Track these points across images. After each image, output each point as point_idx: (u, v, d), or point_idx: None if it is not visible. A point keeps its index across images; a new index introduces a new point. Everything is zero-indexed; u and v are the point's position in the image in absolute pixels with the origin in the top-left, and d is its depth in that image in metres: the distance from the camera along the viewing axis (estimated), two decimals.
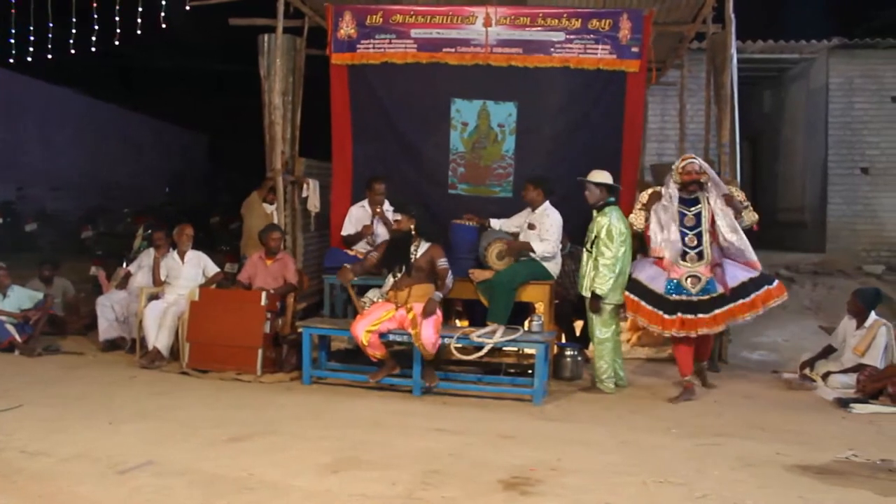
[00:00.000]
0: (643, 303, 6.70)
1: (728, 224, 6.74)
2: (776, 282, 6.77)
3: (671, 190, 6.90)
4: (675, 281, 6.68)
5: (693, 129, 12.20)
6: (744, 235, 6.79)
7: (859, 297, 7.40)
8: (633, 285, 6.80)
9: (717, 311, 6.56)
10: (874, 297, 7.48)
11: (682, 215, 6.81)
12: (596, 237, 6.83)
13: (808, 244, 12.90)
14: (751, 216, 7.01)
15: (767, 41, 12.45)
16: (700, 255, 6.70)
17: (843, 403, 6.50)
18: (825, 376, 7.19)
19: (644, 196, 7.12)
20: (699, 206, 6.81)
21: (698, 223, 6.77)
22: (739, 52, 9.05)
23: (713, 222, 6.75)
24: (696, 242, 6.73)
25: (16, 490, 4.11)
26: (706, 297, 6.58)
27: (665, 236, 6.81)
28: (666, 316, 6.60)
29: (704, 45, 9.91)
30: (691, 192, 6.81)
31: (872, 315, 7.28)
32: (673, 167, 7.02)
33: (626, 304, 6.84)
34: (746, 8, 8.77)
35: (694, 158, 6.92)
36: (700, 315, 6.56)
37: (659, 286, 6.69)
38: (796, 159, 13.84)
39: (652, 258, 6.89)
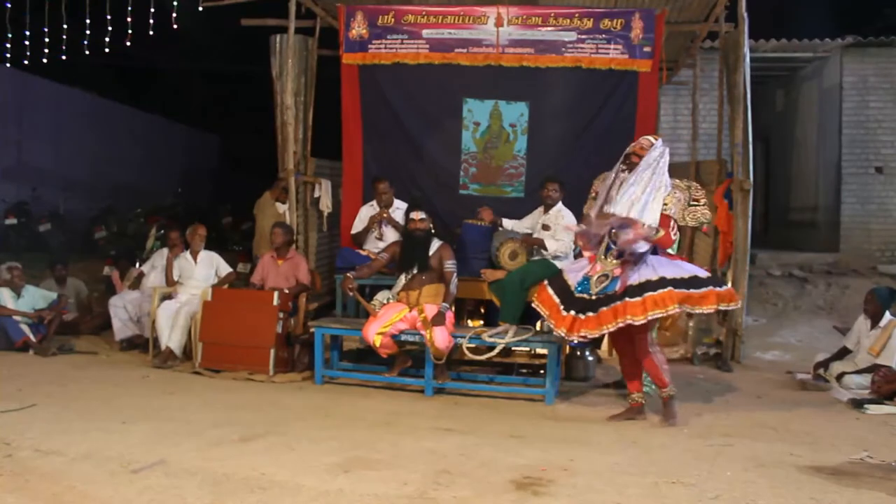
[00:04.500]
0: (552, 293, 6.05)
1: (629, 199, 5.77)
2: (707, 289, 5.73)
3: (616, 166, 6.05)
4: (588, 278, 5.91)
5: (706, 128, 12.16)
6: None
7: (877, 296, 7.35)
8: (554, 275, 6.28)
9: (602, 310, 5.72)
10: (890, 296, 7.43)
11: None
12: None
13: (821, 244, 12.83)
14: (697, 216, 6.06)
15: (780, 40, 12.37)
16: (622, 253, 5.82)
17: (857, 404, 6.46)
18: (839, 377, 7.15)
19: (598, 183, 6.28)
20: None
21: None
22: (752, 52, 9.00)
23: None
24: None
25: (28, 488, 4.13)
26: (602, 295, 5.78)
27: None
28: (563, 312, 5.89)
29: (717, 45, 9.89)
30: (632, 163, 5.90)
31: (887, 315, 7.24)
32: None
33: (536, 292, 6.30)
34: (759, 7, 8.72)
35: (653, 137, 6.07)
36: (588, 314, 5.77)
37: (573, 279, 6.01)
38: (809, 159, 13.77)
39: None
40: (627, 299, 5.66)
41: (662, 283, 5.68)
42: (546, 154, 8.59)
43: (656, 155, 5.92)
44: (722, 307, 5.84)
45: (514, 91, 8.67)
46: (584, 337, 5.83)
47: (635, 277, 5.73)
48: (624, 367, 6.32)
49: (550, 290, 6.11)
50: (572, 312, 5.84)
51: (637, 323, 5.64)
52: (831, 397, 6.86)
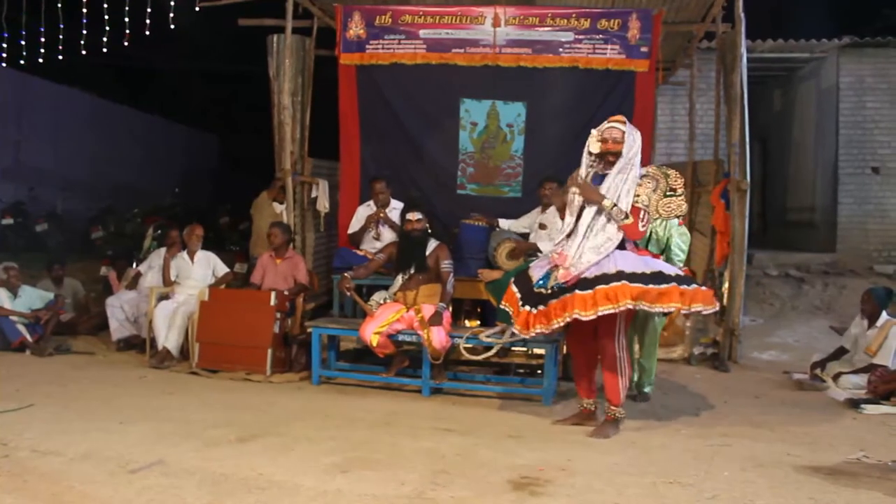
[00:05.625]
0: (516, 290, 5.67)
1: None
2: (669, 285, 5.26)
3: (585, 159, 5.66)
4: (550, 273, 5.51)
5: (703, 128, 12.17)
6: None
7: (874, 296, 7.36)
8: (521, 272, 5.89)
9: (551, 303, 5.35)
10: (886, 296, 7.44)
11: None
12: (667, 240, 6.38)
13: (818, 244, 12.86)
14: (671, 208, 5.57)
15: (777, 40, 12.40)
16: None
17: (854, 404, 6.47)
18: (836, 377, 7.16)
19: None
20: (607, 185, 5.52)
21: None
22: (749, 52, 9.01)
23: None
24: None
25: (27, 489, 4.13)
26: (557, 288, 5.40)
27: (568, 221, 5.61)
28: (520, 308, 5.54)
29: (714, 45, 9.91)
30: (609, 163, 5.49)
31: (884, 315, 7.25)
32: (593, 130, 5.67)
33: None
34: (756, 7, 8.74)
35: (619, 123, 5.56)
36: (540, 308, 5.42)
37: (537, 275, 5.60)
38: (807, 159, 13.79)
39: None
40: (577, 292, 5.25)
41: (618, 276, 5.23)
42: (543, 154, 8.60)
43: (631, 143, 5.49)
44: (694, 309, 5.32)
45: (512, 91, 8.68)
46: (540, 333, 5.49)
47: (593, 271, 5.31)
48: (575, 369, 5.96)
49: (514, 288, 5.71)
50: (527, 307, 5.49)
51: (584, 318, 5.21)
52: (828, 397, 6.87)
